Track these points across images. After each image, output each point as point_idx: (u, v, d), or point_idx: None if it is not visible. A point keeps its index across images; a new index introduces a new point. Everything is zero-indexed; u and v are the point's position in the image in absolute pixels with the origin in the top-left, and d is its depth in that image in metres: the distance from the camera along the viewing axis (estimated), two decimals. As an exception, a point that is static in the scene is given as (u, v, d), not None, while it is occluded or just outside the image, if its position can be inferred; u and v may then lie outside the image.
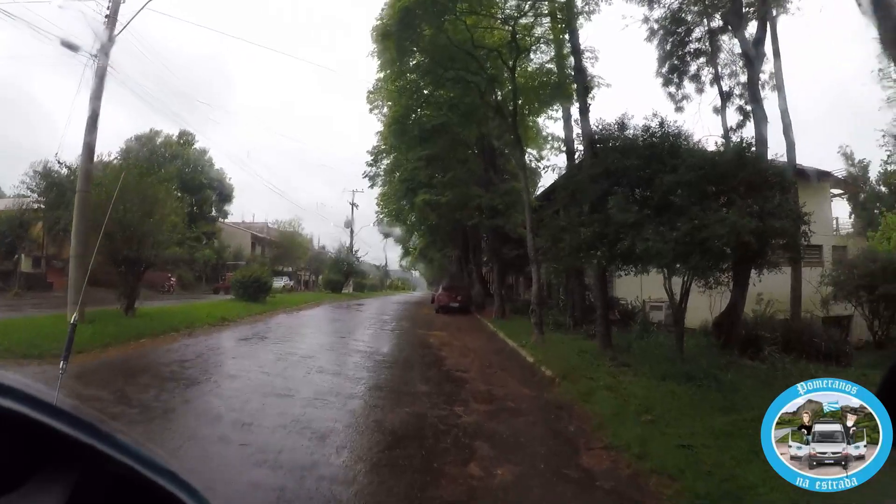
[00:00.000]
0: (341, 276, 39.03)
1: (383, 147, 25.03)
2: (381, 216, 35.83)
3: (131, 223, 11.04)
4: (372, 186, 29.07)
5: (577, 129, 12.79)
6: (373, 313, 21.82)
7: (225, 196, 37.93)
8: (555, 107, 16.50)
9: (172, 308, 14.84)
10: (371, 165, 27.28)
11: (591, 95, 12.49)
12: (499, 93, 14.40)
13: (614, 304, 13.16)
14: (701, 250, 6.67)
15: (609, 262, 8.13)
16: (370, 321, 17.75)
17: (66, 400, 1.48)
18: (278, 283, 40.48)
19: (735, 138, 10.84)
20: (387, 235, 39.15)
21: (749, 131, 11.62)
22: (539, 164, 23.20)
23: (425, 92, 15.91)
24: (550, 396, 6.77)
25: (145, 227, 11.42)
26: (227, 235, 39.95)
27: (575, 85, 12.10)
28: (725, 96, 12.54)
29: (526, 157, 21.92)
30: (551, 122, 22.83)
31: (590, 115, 10.66)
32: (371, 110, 20.83)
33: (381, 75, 16.90)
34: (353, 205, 43.71)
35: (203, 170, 35.32)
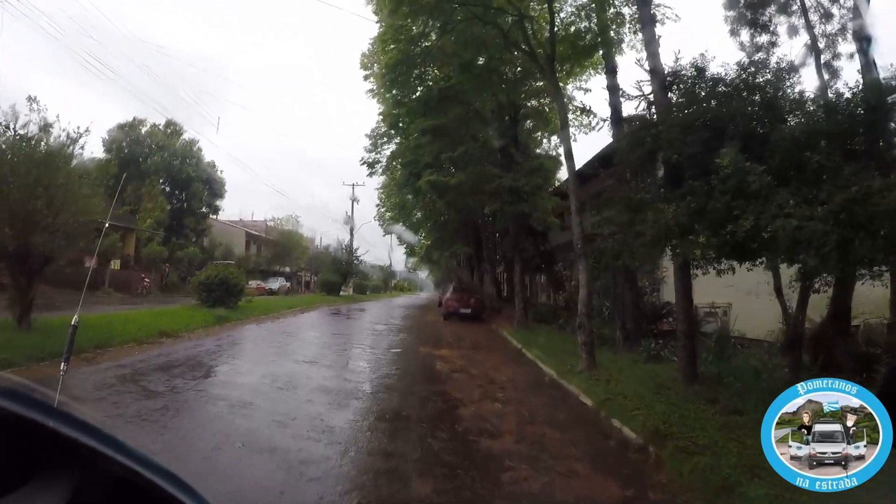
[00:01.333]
0: (339, 277, 38.06)
1: (384, 129, 24.35)
2: (382, 210, 35.93)
3: (13, 202, 8.68)
4: (371, 174, 28.19)
5: (612, 97, 10.73)
6: (368, 322, 19.64)
7: (216, 190, 37.68)
8: (586, 76, 16.00)
9: (106, 317, 11.75)
10: (370, 151, 26.42)
11: (658, 22, 10.24)
12: (529, 27, 11.88)
13: (691, 313, 8.66)
14: (868, 233, 4.80)
15: (718, 252, 5.94)
16: (361, 334, 15.27)
17: (66, 402, 1.66)
18: (273, 283, 40.54)
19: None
20: (388, 232, 38.94)
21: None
22: (560, 151, 21.12)
23: (432, 37, 13.69)
24: (662, 500, 3.99)
25: (32, 207, 8.80)
26: (219, 233, 40.07)
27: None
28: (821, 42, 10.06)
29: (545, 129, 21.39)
30: (580, 94, 21.46)
31: (659, 53, 8.30)
32: (371, 94, 20.22)
33: (378, 30, 15.15)
34: (353, 199, 42.87)
35: (191, 162, 35.16)
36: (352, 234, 43.19)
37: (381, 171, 27.96)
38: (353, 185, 43.57)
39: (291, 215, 52.15)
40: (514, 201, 16.65)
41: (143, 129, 34.39)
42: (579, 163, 15.11)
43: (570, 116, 17.67)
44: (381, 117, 21.95)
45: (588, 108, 18.44)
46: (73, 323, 2.48)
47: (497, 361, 10.73)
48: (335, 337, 14.48)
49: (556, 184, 19.37)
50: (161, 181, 33.35)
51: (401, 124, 20.35)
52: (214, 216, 40.28)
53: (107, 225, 23.55)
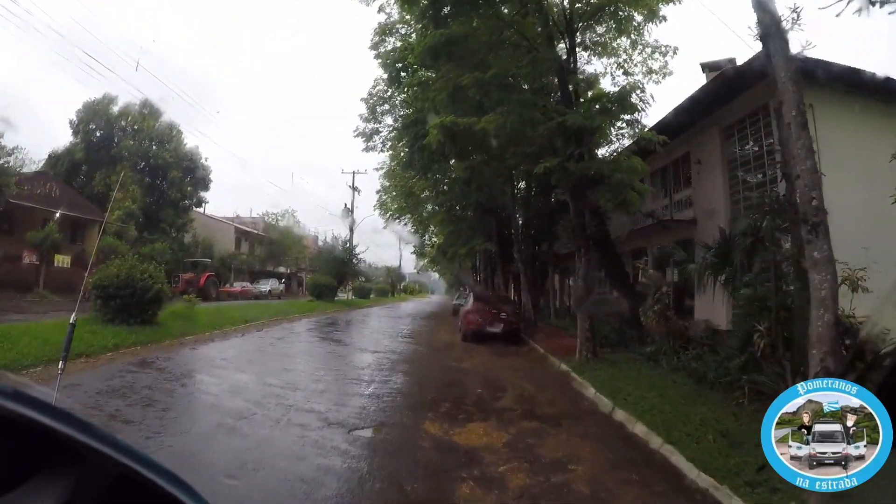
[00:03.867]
0: (333, 279, 36.84)
1: (384, 93, 23.54)
2: (384, 199, 35.32)
3: None
4: (368, 149, 26.85)
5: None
6: (350, 346, 16.19)
7: (199, 180, 38.42)
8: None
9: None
10: (368, 120, 25.30)
11: None
12: None
13: None
14: None
15: None
16: (323, 378, 10.47)
17: (64, 400, 2.03)
18: (264, 286, 41.29)
19: None
20: (390, 223, 38.66)
21: None
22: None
23: None
24: None
25: None
26: (205, 228, 41.03)
27: None
28: None
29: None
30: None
31: None
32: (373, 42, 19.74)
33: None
34: (353, 188, 42.81)
35: (170, 146, 35.74)
36: (351, 231, 42.71)
37: (380, 145, 26.74)
38: (354, 172, 43.49)
39: (287, 210, 52.63)
40: (580, 157, 12.40)
41: (115, 109, 34.77)
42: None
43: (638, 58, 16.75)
44: (381, 65, 20.94)
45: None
46: (70, 322, 2.88)
47: (596, 465, 5.76)
48: (266, 391, 8.65)
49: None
50: (134, 168, 33.85)
51: (403, 75, 19.61)
52: (199, 209, 41.06)
53: (57, 215, 24.61)
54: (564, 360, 12.78)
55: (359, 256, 40.99)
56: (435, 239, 40.48)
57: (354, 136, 26.06)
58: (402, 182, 29.92)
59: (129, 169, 32.49)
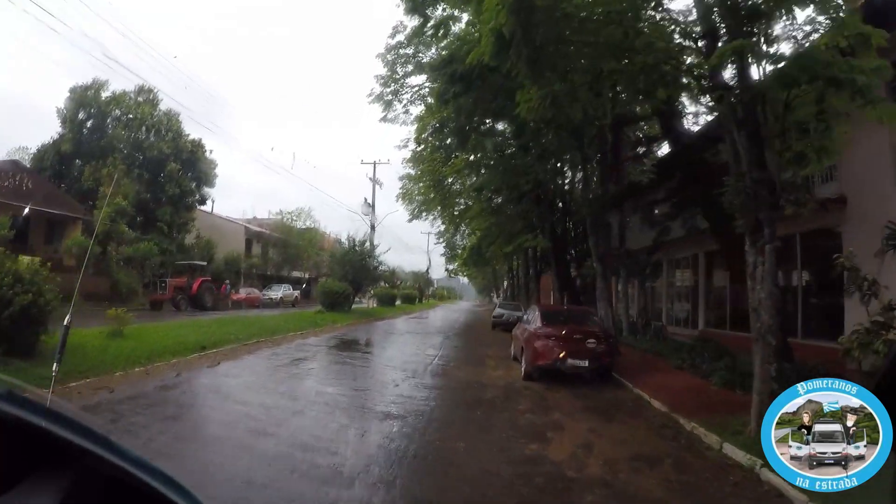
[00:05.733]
0: (347, 285, 34.35)
1: (407, 36, 21.52)
2: (408, 187, 34.69)
3: None
4: (385, 118, 24.66)
5: None
6: (334, 409, 9.92)
7: (202, 174, 38.62)
8: None
9: None
10: (386, 82, 23.41)
11: None
12: None
13: None
14: None
15: None
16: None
17: (58, 402, 2.34)
18: (276, 292, 41.66)
19: None
20: (414, 215, 37.89)
21: None
22: None
23: None
24: None
25: None
26: (211, 228, 41.50)
27: None
28: None
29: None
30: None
31: None
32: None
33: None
34: (373, 181, 42.79)
35: (166, 136, 36.02)
36: (373, 228, 41.47)
37: (402, 113, 24.73)
38: (375, 162, 43.39)
39: (303, 209, 52.78)
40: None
41: (104, 95, 35.18)
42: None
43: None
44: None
45: None
46: (65, 323, 3.33)
47: None
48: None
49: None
50: (127, 160, 34.06)
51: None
52: (204, 208, 41.53)
53: (27, 210, 23.25)
54: (718, 429, 8.52)
55: (380, 259, 39.15)
56: (467, 240, 40.93)
57: (370, 103, 24.26)
58: (430, 167, 29.01)
59: (120, 161, 33.03)
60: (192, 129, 36.85)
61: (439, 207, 35.98)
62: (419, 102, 24.15)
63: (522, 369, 14.29)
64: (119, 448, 1.12)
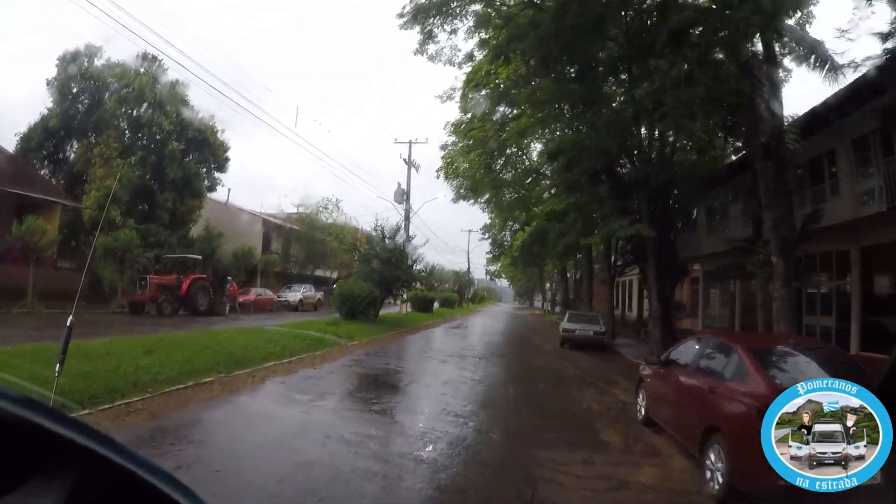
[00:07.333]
0: (373, 288, 30.28)
1: None
2: (451, 157, 34.21)
3: None
4: (423, 51, 22.78)
5: None
6: None
7: (211, 157, 37.21)
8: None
9: None
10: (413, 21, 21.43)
11: None
12: None
13: None
14: None
15: None
16: None
17: (61, 402, 2.82)
18: (294, 294, 41.50)
19: None
20: (459, 198, 37.04)
21: None
22: None
23: None
24: None
25: None
26: (223, 219, 40.86)
27: None
28: None
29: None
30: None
31: None
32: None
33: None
34: (408, 163, 40.89)
35: (169, 111, 34.36)
36: (407, 218, 39.13)
37: (448, 37, 22.62)
38: (411, 142, 41.73)
39: (330, 199, 51.59)
40: None
41: (98, 62, 33.93)
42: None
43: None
44: None
45: None
46: (68, 324, 3.79)
47: None
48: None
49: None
50: (122, 138, 33.25)
51: None
52: (215, 195, 40.86)
53: None
54: None
55: (417, 254, 35.76)
56: (514, 237, 41.31)
57: (402, 27, 21.87)
58: (480, 133, 27.65)
59: (113, 140, 32.25)
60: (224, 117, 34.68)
61: (487, 195, 35.72)
62: (476, 30, 22.09)
63: (715, 479, 6.55)
64: (122, 448, 1.22)
